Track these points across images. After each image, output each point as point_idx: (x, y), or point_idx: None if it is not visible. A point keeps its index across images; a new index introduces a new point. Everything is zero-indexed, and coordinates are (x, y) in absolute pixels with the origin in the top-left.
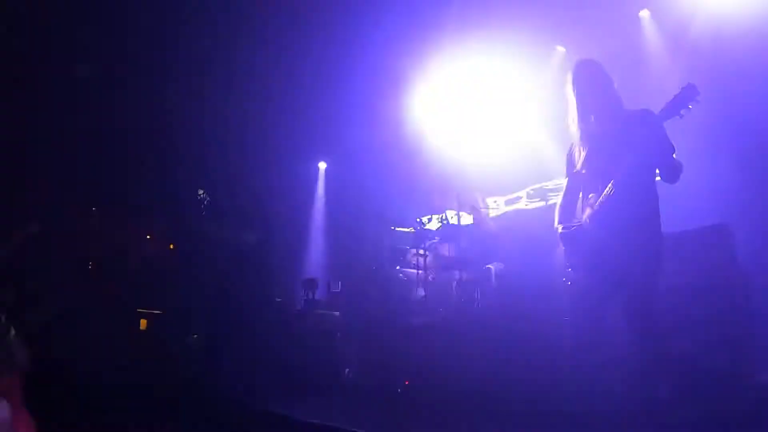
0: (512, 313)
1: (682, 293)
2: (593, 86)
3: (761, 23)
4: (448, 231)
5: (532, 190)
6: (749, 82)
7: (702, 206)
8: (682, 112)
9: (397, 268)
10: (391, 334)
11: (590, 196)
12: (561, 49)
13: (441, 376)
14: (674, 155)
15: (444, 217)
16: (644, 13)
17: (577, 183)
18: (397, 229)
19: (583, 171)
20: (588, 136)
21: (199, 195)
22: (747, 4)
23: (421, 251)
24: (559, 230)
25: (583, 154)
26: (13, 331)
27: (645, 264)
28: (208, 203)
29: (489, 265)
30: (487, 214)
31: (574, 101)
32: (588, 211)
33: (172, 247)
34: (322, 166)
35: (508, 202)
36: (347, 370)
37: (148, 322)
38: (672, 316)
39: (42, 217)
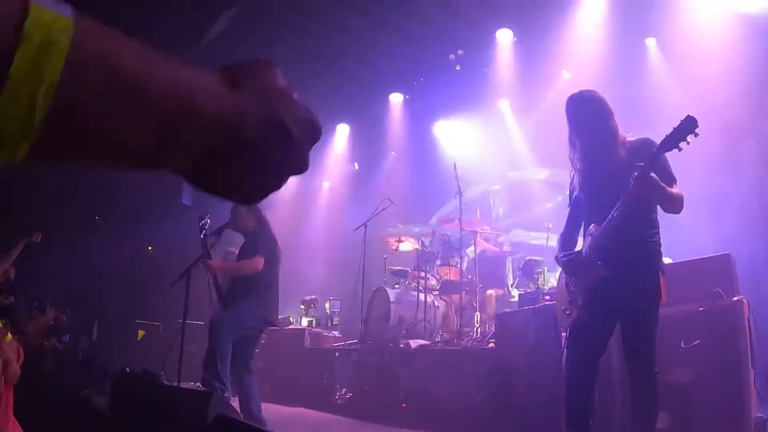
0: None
1: (684, 322)
2: (589, 121)
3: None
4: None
5: None
6: (754, 112)
7: (706, 236)
8: (681, 144)
9: None
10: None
11: (591, 226)
12: (566, 74)
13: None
14: (675, 186)
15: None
16: (650, 41)
17: (578, 212)
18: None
19: (584, 201)
20: (587, 169)
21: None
22: (753, 33)
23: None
24: (560, 258)
25: (584, 184)
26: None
27: (643, 296)
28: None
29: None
30: None
31: (573, 134)
32: (588, 239)
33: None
34: None
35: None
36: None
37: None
38: (672, 345)
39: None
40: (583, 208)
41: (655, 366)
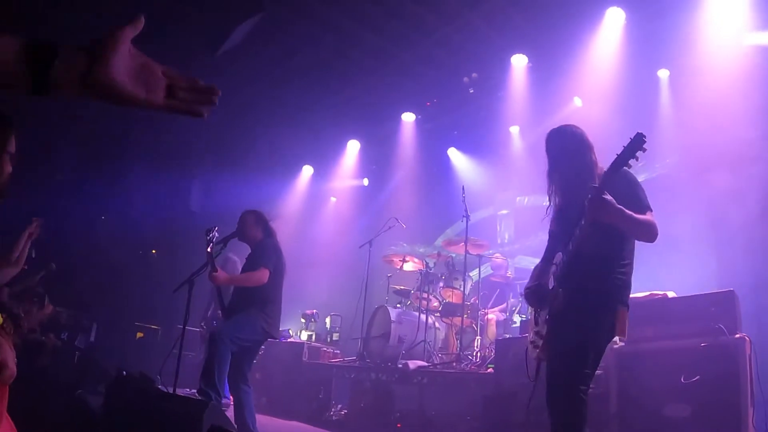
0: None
1: (685, 357)
2: (568, 155)
3: None
4: None
5: None
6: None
7: (711, 273)
8: (630, 162)
9: None
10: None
11: (557, 255)
12: (578, 101)
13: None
14: (648, 214)
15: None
16: (663, 73)
17: (555, 246)
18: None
19: (560, 235)
20: (563, 203)
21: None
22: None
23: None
24: (525, 288)
25: (559, 218)
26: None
27: (594, 331)
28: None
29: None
30: None
31: (552, 168)
32: (553, 268)
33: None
34: None
35: None
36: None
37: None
38: (673, 379)
39: None
40: (558, 241)
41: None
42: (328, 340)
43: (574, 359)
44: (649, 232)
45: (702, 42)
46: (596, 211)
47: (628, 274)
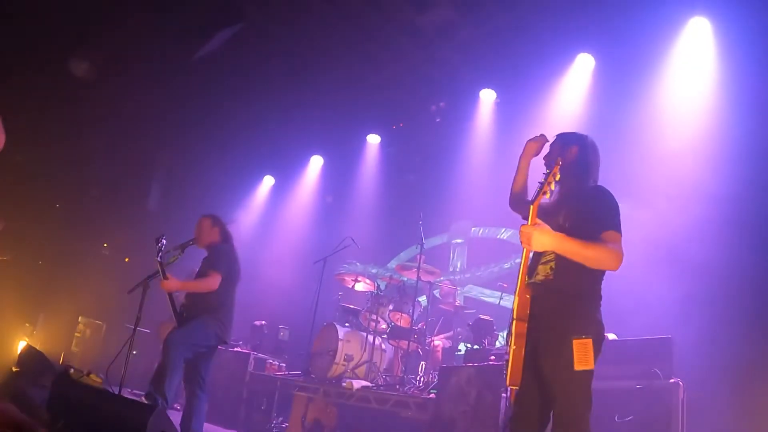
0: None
1: (620, 397)
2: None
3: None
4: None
5: None
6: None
7: (651, 318)
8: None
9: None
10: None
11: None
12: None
13: None
14: (609, 232)
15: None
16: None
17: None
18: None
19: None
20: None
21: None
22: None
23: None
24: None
25: None
26: None
27: (554, 363)
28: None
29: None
30: None
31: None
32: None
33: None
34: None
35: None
36: None
37: None
38: (606, 419)
39: None
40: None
41: None
42: (275, 352)
43: (560, 399)
44: (598, 259)
45: (668, 80)
46: (528, 245)
47: (590, 306)
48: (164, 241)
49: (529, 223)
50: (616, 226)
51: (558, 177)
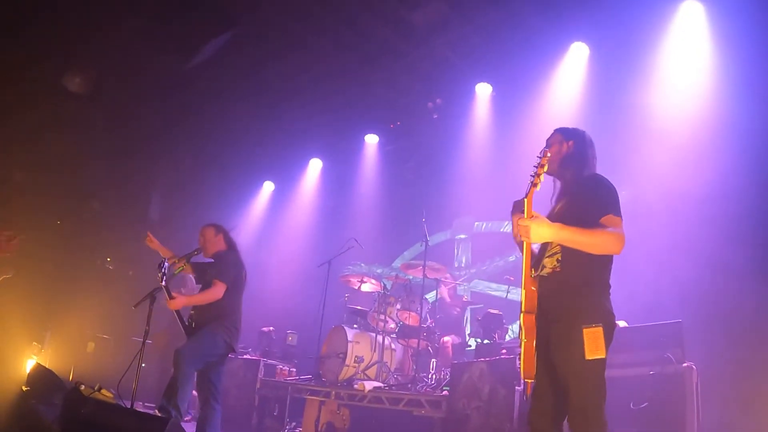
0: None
1: (634, 384)
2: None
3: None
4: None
5: None
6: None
7: (663, 303)
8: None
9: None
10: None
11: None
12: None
13: None
14: (609, 217)
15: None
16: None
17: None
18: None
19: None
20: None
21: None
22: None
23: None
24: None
25: None
26: None
27: (566, 352)
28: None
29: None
30: None
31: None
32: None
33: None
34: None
35: None
36: None
37: None
38: (621, 405)
39: None
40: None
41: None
42: (285, 357)
43: (574, 388)
44: (602, 245)
45: (663, 81)
46: (525, 237)
47: (598, 294)
48: (167, 264)
49: (525, 216)
50: (616, 210)
51: (546, 168)
